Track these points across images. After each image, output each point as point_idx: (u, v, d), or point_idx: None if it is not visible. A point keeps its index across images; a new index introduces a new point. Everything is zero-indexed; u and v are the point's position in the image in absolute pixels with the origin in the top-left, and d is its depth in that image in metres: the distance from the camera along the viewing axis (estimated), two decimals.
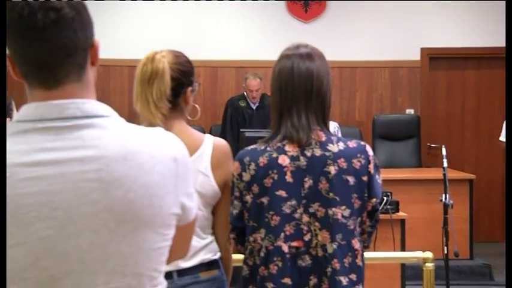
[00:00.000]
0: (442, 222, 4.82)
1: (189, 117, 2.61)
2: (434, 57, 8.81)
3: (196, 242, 2.47)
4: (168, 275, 2.42)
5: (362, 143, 2.50)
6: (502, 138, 7.71)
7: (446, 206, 4.84)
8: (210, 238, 2.54)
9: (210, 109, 8.27)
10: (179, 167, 1.53)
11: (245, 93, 7.71)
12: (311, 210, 2.38)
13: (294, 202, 2.39)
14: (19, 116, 1.47)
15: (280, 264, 2.38)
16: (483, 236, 8.27)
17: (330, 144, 2.41)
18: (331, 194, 2.37)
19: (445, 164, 5.00)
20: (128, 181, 1.44)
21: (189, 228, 1.67)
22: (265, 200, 2.40)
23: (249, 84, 7.58)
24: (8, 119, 2.49)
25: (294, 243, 2.39)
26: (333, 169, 2.38)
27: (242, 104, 7.68)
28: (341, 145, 2.42)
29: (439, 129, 8.82)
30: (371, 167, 2.44)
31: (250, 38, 8.53)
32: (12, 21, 1.43)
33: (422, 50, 8.76)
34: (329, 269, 2.37)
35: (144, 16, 8.38)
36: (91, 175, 1.42)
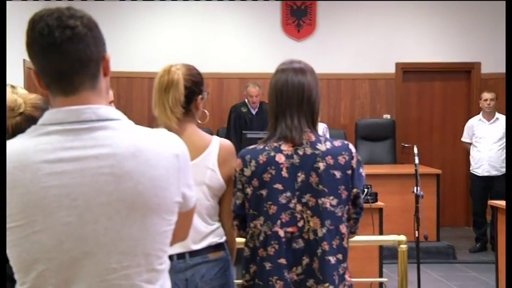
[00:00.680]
0: (414, 210, 4.84)
1: (199, 121, 2.62)
2: (407, 71, 8.85)
3: (204, 227, 2.48)
4: (181, 256, 2.43)
5: (346, 142, 2.51)
6: (463, 139, 7.75)
7: (417, 197, 4.86)
8: (217, 224, 2.54)
9: (217, 114, 8.27)
10: (180, 162, 1.54)
11: (246, 100, 7.71)
12: (303, 200, 2.39)
13: (288, 194, 2.39)
14: (43, 119, 1.49)
15: (277, 246, 2.39)
16: (448, 221, 8.33)
17: (319, 144, 2.42)
18: (320, 186, 2.38)
19: (417, 161, 5.02)
20: (137, 175, 1.45)
21: (189, 214, 1.68)
22: (264, 192, 2.40)
23: (250, 91, 7.60)
24: None
25: (289, 229, 2.39)
26: (321, 165, 2.39)
27: (244, 109, 7.69)
28: (328, 144, 2.43)
29: (411, 132, 8.85)
30: (354, 162, 2.44)
31: (251, 53, 8.53)
32: (34, 39, 1.45)
33: (397, 64, 8.80)
34: (319, 250, 2.37)
35: (162, 35, 8.39)
36: (105, 170, 1.44)
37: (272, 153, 2.42)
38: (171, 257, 2.37)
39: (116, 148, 1.45)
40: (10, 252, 1.48)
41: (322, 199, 2.38)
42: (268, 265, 2.39)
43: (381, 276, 5.82)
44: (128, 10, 8.39)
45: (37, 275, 1.46)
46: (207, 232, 2.49)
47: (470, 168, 7.63)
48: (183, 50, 8.01)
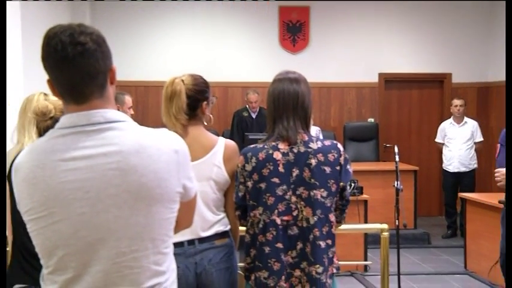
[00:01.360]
0: (394, 202, 4.81)
1: (205, 123, 2.60)
2: (388, 80, 8.82)
3: (212, 217, 2.47)
4: (191, 242, 2.42)
5: (335, 142, 2.50)
6: (437, 140, 7.75)
7: (397, 190, 4.84)
8: (223, 215, 2.53)
9: (222, 118, 8.26)
10: (179, 156, 1.53)
11: (247, 105, 7.70)
12: (298, 192, 2.38)
13: (284, 187, 2.38)
14: (59, 124, 1.50)
15: (274, 233, 2.38)
16: (423, 211, 8.31)
17: (311, 143, 2.42)
18: (312, 180, 2.37)
19: (397, 159, 5.00)
20: (141, 168, 1.44)
21: (191, 204, 1.67)
22: (263, 185, 2.39)
23: (250, 97, 7.60)
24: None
25: (285, 218, 2.39)
26: (313, 161, 2.38)
27: (245, 114, 7.69)
28: (319, 143, 2.43)
29: (392, 133, 8.82)
30: (342, 159, 2.44)
31: (252, 65, 8.50)
32: (49, 53, 1.44)
33: (380, 74, 8.77)
34: (311, 236, 2.37)
35: (175, 49, 8.36)
36: (113, 165, 1.43)
37: (270, 151, 2.41)
38: (182, 243, 2.37)
39: (122, 146, 1.45)
40: (34, 240, 1.49)
41: (314, 191, 2.37)
42: (267, 249, 2.38)
43: (365, 259, 5.83)
44: (145, 26, 8.37)
45: (58, 259, 1.46)
46: (214, 221, 2.48)
47: (443, 165, 7.62)
48: (194, 62, 7.99)
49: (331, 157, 2.40)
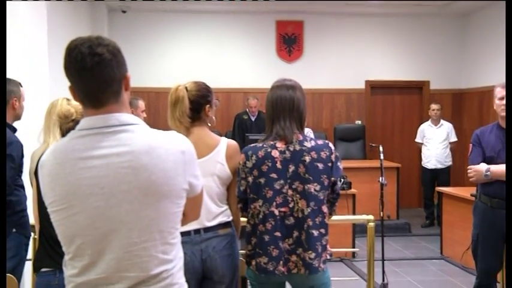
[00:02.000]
0: (379, 196, 4.80)
1: (209, 125, 2.58)
2: (374, 86, 8.81)
3: (216, 209, 2.46)
4: (197, 231, 2.41)
5: (326, 141, 2.49)
6: (417, 140, 7.75)
7: (382, 185, 4.82)
8: (226, 207, 2.51)
9: (225, 120, 8.24)
10: (186, 156, 1.51)
11: (247, 109, 7.68)
12: (293, 186, 2.38)
13: (282, 181, 2.38)
14: (79, 126, 1.50)
15: (273, 223, 2.37)
16: (405, 204, 8.29)
17: (306, 142, 2.41)
18: (306, 175, 2.37)
19: (381, 157, 4.98)
20: (151, 167, 1.43)
21: (197, 199, 1.65)
22: (262, 180, 2.39)
23: (250, 103, 7.57)
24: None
25: (282, 209, 2.38)
26: (307, 158, 2.37)
27: (245, 117, 7.66)
28: (312, 142, 2.42)
29: (377, 134, 8.81)
30: (333, 157, 2.43)
31: (252, 73, 8.48)
32: (70, 63, 1.44)
33: (366, 81, 8.76)
34: (305, 225, 2.37)
35: (183, 58, 8.35)
36: (126, 164, 1.43)
37: (269, 150, 2.40)
38: (189, 232, 2.36)
39: (133, 146, 1.44)
40: (57, 229, 1.50)
41: (308, 185, 2.36)
42: (266, 237, 2.38)
43: (353, 246, 5.82)
44: (156, 38, 8.36)
45: (77, 247, 1.46)
46: (217, 213, 2.46)
47: (422, 163, 7.62)
48: (200, 70, 7.97)
49: (323, 155, 2.40)
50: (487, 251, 3.49)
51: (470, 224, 3.64)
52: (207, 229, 2.43)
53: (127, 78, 1.51)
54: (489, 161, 3.40)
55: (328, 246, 2.44)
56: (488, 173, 3.35)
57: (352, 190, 5.91)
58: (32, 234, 3.21)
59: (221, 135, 2.70)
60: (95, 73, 1.42)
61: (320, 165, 2.38)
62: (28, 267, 3.26)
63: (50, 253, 2.29)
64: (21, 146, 3.21)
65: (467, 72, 8.77)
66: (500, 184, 3.34)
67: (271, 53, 8.59)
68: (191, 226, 2.33)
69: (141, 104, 4.74)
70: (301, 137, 2.42)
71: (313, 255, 2.35)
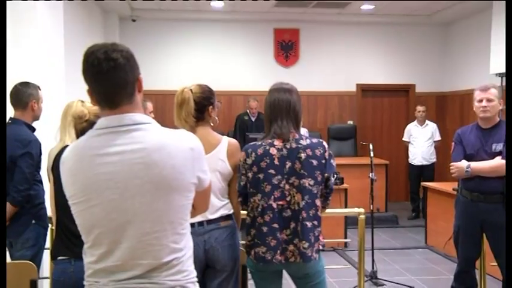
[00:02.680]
0: (369, 190, 4.81)
1: (212, 124, 2.58)
2: (364, 89, 8.80)
3: (218, 203, 2.45)
4: (201, 223, 2.41)
5: (321, 140, 2.49)
6: (404, 139, 7.75)
7: (372, 180, 4.83)
8: (227, 201, 2.50)
9: (227, 121, 8.22)
10: (195, 153, 1.51)
11: (248, 110, 7.66)
12: (290, 181, 2.37)
13: (279, 177, 2.37)
14: (96, 125, 1.50)
15: (271, 215, 2.37)
16: (393, 197, 8.30)
17: (301, 140, 2.41)
18: (302, 171, 2.36)
19: (372, 155, 5.00)
20: (162, 163, 1.43)
21: (205, 193, 1.65)
22: (261, 175, 2.38)
23: (250, 104, 7.54)
24: None
25: (280, 202, 2.38)
26: (303, 155, 2.37)
27: (246, 117, 7.63)
28: (308, 141, 2.42)
29: (368, 133, 8.80)
30: (326, 154, 2.42)
31: (251, 76, 8.46)
32: (87, 68, 1.44)
33: (357, 85, 8.75)
34: (301, 217, 2.36)
35: (188, 63, 8.32)
36: (139, 160, 1.42)
37: (267, 147, 2.40)
38: (193, 224, 2.36)
39: (146, 144, 1.44)
40: (76, 220, 1.50)
41: (303, 180, 2.36)
42: (265, 229, 2.37)
43: (345, 237, 5.83)
44: (163, 45, 8.35)
45: (94, 236, 1.46)
46: (219, 206, 2.45)
47: (409, 160, 7.62)
48: (203, 74, 7.93)
49: (317, 152, 2.39)
50: (467, 241, 3.50)
51: (452, 216, 3.64)
52: (209, 221, 2.42)
53: (140, 80, 1.50)
54: (469, 158, 3.40)
55: (321, 237, 2.43)
56: (469, 169, 3.35)
57: (345, 185, 5.91)
58: (50, 225, 3.22)
59: (223, 135, 2.70)
60: (110, 77, 1.42)
61: (314, 162, 2.37)
62: (47, 255, 3.27)
63: (66, 243, 2.29)
64: (40, 144, 3.22)
65: (449, 76, 8.77)
66: (479, 180, 3.35)
67: (270, 59, 8.58)
68: (195, 219, 2.33)
69: (150, 105, 4.74)
70: (297, 136, 2.41)
71: (306, 245, 2.35)
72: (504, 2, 6.26)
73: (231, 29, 8.46)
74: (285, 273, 2.50)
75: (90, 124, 2.39)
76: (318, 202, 2.41)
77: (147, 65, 7.96)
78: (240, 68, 8.51)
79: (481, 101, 3.38)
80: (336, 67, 8.64)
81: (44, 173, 3.15)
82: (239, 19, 8.35)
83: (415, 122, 7.57)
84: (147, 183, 1.42)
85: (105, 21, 7.78)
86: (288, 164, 2.37)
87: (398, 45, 8.79)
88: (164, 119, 7.90)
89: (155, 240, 1.44)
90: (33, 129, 3.30)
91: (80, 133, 2.39)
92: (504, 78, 6.75)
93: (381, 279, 4.72)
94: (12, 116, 3.29)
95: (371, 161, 4.94)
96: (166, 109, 8.15)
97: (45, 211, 3.25)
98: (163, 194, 1.44)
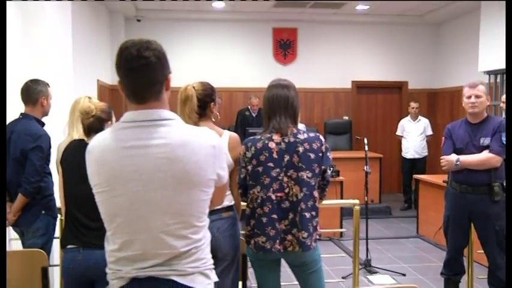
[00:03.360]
0: (364, 182, 4.82)
1: (213, 120, 2.58)
2: (359, 86, 8.76)
3: None
4: None
5: (317, 134, 2.48)
6: (397, 133, 7.74)
7: (366, 173, 4.84)
8: (228, 192, 2.49)
9: (228, 116, 8.22)
10: (216, 151, 1.50)
11: (249, 107, 7.64)
12: (288, 174, 2.36)
13: (278, 170, 2.37)
14: (123, 118, 1.49)
15: (270, 206, 2.36)
16: (386, 189, 8.31)
17: (299, 134, 2.40)
18: (300, 164, 2.35)
19: (366, 148, 5.00)
20: (185, 159, 1.42)
21: (222, 188, 1.66)
22: (260, 168, 2.38)
23: (252, 101, 7.52)
24: (109, 122, 2.46)
25: (279, 194, 2.37)
26: (301, 149, 2.36)
27: (247, 113, 7.62)
28: (305, 135, 2.41)
29: (362, 128, 8.79)
30: (323, 148, 2.41)
31: (251, 74, 8.44)
32: (120, 63, 1.44)
33: (353, 82, 8.72)
34: (299, 208, 2.36)
35: (190, 61, 8.28)
36: (163, 155, 1.41)
37: (266, 141, 2.39)
38: None
39: (170, 139, 1.43)
40: (100, 208, 1.49)
41: (301, 173, 2.35)
42: (264, 219, 2.37)
43: (341, 227, 5.84)
44: (166, 44, 8.23)
45: (117, 225, 1.46)
46: None
47: (402, 153, 7.62)
48: (205, 71, 7.92)
49: (314, 146, 2.38)
50: (456, 230, 3.52)
51: (442, 207, 3.65)
52: (211, 212, 2.42)
53: (168, 79, 1.50)
54: (459, 152, 3.41)
55: (318, 227, 2.43)
56: (458, 162, 3.36)
57: (340, 177, 5.92)
58: (59, 215, 3.23)
59: (224, 129, 2.70)
60: (140, 74, 1.42)
61: (312, 155, 2.37)
62: (57, 244, 3.28)
63: (74, 232, 2.30)
64: (49, 138, 3.22)
65: (440, 74, 8.76)
66: (467, 172, 3.36)
67: (268, 57, 8.56)
68: None
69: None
70: (295, 130, 2.41)
71: (305, 234, 2.35)
72: (492, 3, 6.25)
73: (232, 28, 8.44)
74: (283, 262, 2.51)
75: (97, 119, 2.40)
76: (316, 193, 2.40)
77: None
78: (240, 65, 8.50)
79: (469, 97, 3.38)
80: (332, 65, 8.62)
81: (53, 166, 3.15)
82: (239, 19, 8.32)
83: (408, 117, 7.57)
84: (170, 177, 1.41)
85: (111, 21, 7.76)
86: (286, 158, 2.36)
87: (392, 44, 8.78)
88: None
89: (175, 231, 1.43)
90: (43, 124, 3.30)
91: (87, 128, 2.39)
92: (491, 76, 6.75)
93: (374, 267, 4.74)
94: (23, 112, 3.30)
95: (366, 155, 4.95)
96: (170, 105, 8.14)
97: (54, 202, 3.26)
98: (185, 189, 1.43)
